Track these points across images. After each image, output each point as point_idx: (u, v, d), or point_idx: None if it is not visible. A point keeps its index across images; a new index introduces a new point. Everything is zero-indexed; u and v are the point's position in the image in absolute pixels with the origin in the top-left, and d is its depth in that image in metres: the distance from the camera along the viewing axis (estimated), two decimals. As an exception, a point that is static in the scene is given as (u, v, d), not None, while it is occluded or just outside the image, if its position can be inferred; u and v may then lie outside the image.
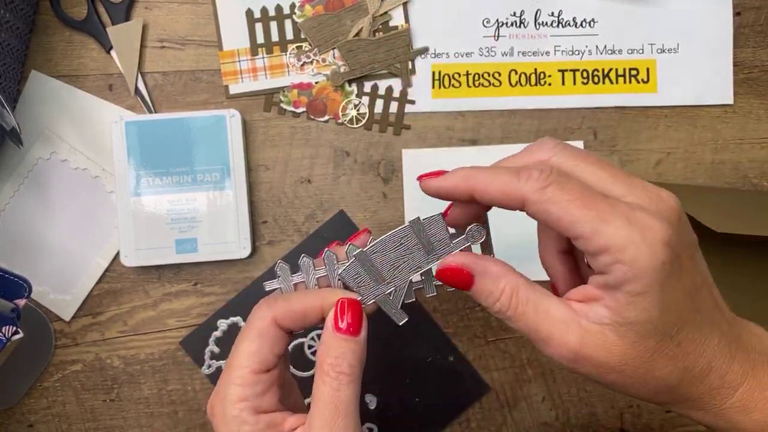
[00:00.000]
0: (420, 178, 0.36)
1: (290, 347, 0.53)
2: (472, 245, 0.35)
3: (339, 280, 0.35)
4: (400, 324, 0.36)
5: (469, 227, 0.35)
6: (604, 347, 0.29)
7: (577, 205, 0.29)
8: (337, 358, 0.32)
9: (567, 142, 0.52)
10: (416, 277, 0.36)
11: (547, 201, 0.29)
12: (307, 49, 0.54)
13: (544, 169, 0.30)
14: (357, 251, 0.34)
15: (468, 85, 0.54)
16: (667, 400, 0.31)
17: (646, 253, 0.28)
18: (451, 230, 0.36)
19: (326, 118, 0.54)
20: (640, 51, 0.54)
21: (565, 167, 0.31)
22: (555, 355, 0.30)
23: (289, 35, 0.54)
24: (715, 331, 0.30)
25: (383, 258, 0.35)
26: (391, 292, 0.35)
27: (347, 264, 0.34)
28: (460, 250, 0.35)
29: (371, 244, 0.35)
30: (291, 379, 0.37)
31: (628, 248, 0.28)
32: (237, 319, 0.53)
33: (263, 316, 0.33)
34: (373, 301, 0.35)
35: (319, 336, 0.53)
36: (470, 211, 0.35)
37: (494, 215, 0.50)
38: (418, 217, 0.34)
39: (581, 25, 0.54)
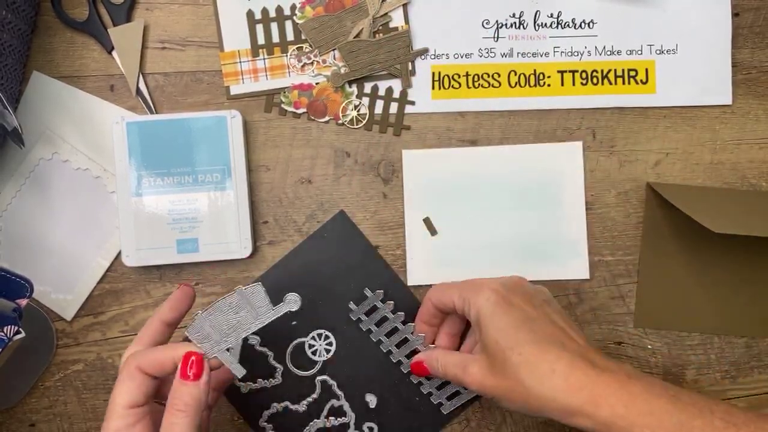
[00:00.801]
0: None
1: (291, 347, 0.54)
2: (292, 311, 0.42)
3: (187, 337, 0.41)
4: (239, 377, 0.42)
5: (286, 295, 0.43)
6: (483, 369, 0.43)
7: (446, 289, 0.48)
8: (177, 399, 0.39)
9: (565, 142, 0.52)
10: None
11: (435, 296, 0.49)
12: (307, 50, 0.54)
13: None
14: (198, 314, 0.40)
15: (468, 86, 0.54)
16: (536, 407, 0.40)
17: (474, 298, 0.44)
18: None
19: (327, 118, 0.54)
20: (639, 52, 0.54)
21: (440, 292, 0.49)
22: (472, 384, 0.44)
23: (290, 36, 0.54)
24: (554, 346, 0.40)
25: (220, 320, 0.41)
26: (229, 348, 0.41)
27: (192, 324, 0.41)
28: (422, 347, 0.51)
29: (208, 308, 0.41)
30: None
31: (470, 298, 0.44)
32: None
33: (129, 363, 0.40)
34: (213, 355, 0.41)
35: (319, 335, 0.54)
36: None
37: (494, 216, 0.50)
38: (241, 288, 0.41)
39: (580, 26, 0.54)
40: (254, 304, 0.41)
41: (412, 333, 0.51)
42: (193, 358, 0.39)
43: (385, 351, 0.53)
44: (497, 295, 0.43)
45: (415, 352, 0.51)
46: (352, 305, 0.53)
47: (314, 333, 0.53)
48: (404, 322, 0.52)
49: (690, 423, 0.37)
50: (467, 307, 0.45)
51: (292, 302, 0.42)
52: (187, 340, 0.41)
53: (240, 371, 0.41)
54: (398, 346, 0.52)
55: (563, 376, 0.39)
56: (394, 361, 0.53)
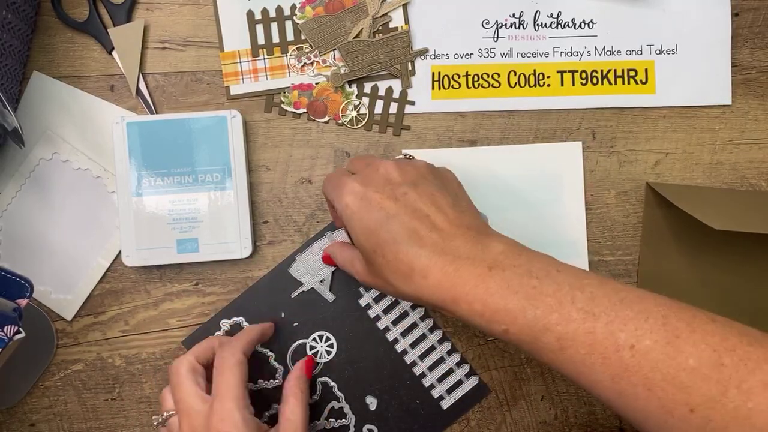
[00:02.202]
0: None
1: (291, 349, 0.54)
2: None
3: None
4: (330, 302, 0.54)
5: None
6: (363, 266, 0.44)
7: (326, 183, 0.47)
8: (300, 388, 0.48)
9: (565, 142, 0.52)
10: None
11: (324, 189, 0.48)
12: (307, 50, 0.54)
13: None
14: (296, 257, 0.54)
15: (467, 86, 0.54)
16: (413, 300, 0.41)
17: (338, 203, 0.43)
18: None
19: (327, 118, 0.54)
20: (639, 52, 0.54)
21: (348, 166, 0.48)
22: (359, 280, 0.45)
23: (290, 36, 0.54)
24: (412, 244, 0.40)
25: (313, 259, 0.54)
26: (322, 280, 0.54)
27: (293, 265, 0.54)
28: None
29: (303, 252, 0.54)
30: None
31: (335, 202, 0.44)
32: (239, 319, 0.54)
33: (235, 353, 0.46)
34: (311, 287, 0.54)
35: (320, 337, 0.54)
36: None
37: (494, 216, 0.50)
38: (330, 232, 0.54)
39: (580, 26, 0.54)
40: None
41: (420, 319, 0.52)
42: (308, 362, 0.51)
43: (390, 339, 0.53)
44: (355, 198, 0.42)
45: (421, 338, 0.53)
46: (362, 290, 0.53)
47: (315, 335, 0.53)
48: (413, 307, 0.53)
49: (546, 318, 0.36)
50: (338, 210, 0.44)
51: None
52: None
53: (331, 297, 0.54)
54: (404, 335, 0.53)
55: (422, 275, 0.39)
56: (399, 350, 0.53)
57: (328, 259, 0.52)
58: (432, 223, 0.41)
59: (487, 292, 0.37)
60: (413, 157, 0.49)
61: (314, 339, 0.54)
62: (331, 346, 0.54)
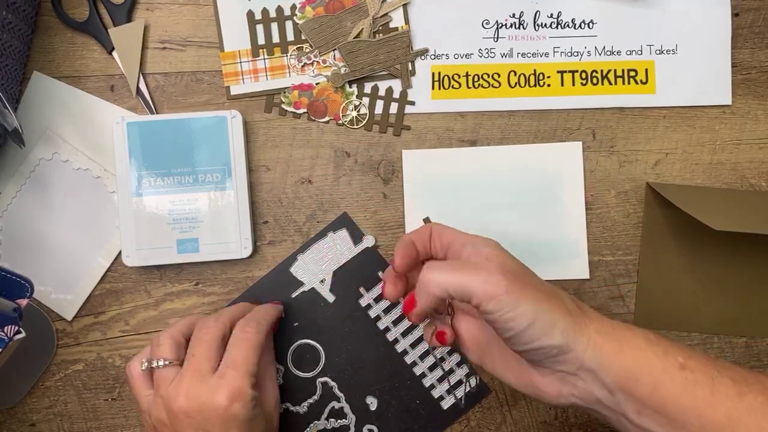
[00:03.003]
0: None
1: (292, 349, 0.54)
2: None
3: None
4: (330, 302, 0.53)
5: (364, 236, 0.53)
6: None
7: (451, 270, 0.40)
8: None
9: (565, 142, 0.52)
10: None
11: (440, 278, 0.40)
12: (307, 50, 0.54)
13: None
14: (299, 255, 0.53)
15: (467, 86, 0.54)
16: (539, 356, 0.38)
17: (492, 286, 0.38)
18: None
19: (327, 118, 0.54)
20: (639, 52, 0.54)
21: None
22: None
23: (290, 36, 0.54)
24: (556, 304, 0.38)
25: (317, 257, 0.54)
26: (323, 280, 0.54)
27: (295, 263, 0.54)
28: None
29: (306, 250, 0.54)
30: None
31: (479, 287, 0.38)
32: (238, 318, 0.54)
33: (261, 331, 0.46)
34: (311, 287, 0.54)
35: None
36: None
37: (494, 216, 0.50)
38: (331, 233, 0.53)
39: (580, 26, 0.54)
40: (340, 245, 0.53)
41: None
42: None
43: (391, 340, 0.53)
44: (513, 281, 0.38)
45: (421, 338, 0.53)
46: (362, 290, 0.53)
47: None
48: None
49: (715, 362, 0.38)
50: (475, 301, 0.38)
51: (368, 241, 0.53)
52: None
53: (331, 298, 0.53)
54: (404, 335, 0.53)
55: (562, 332, 0.38)
56: (399, 351, 0.53)
57: (442, 339, 0.43)
58: (566, 305, 0.41)
59: (630, 352, 0.38)
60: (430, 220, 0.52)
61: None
62: (282, 314, 0.54)
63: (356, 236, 0.54)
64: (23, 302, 0.45)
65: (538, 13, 0.54)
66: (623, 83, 0.54)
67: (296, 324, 0.54)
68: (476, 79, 0.54)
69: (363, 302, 0.54)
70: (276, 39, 0.54)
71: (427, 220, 0.54)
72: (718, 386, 0.36)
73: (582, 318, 0.39)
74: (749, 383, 0.37)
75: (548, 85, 0.54)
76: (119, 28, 0.54)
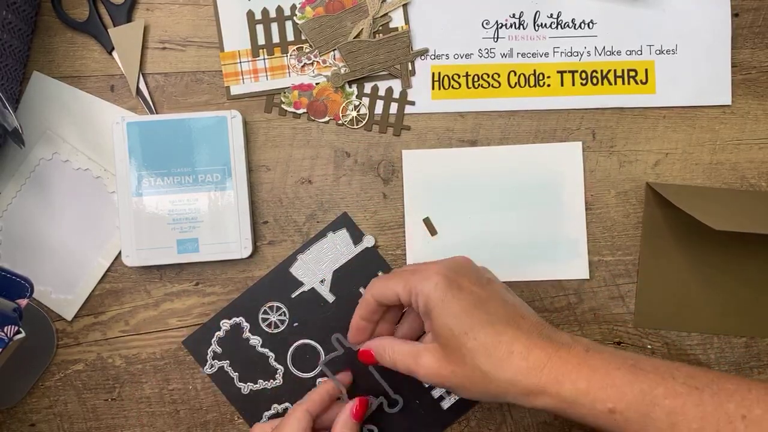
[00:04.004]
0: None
1: (292, 349, 0.54)
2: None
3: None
4: (330, 302, 0.54)
5: (364, 237, 0.54)
6: (437, 358, 0.41)
7: (386, 281, 0.45)
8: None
9: (565, 142, 0.52)
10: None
11: (378, 291, 0.45)
12: (307, 50, 0.54)
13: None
14: (299, 257, 0.54)
15: (467, 86, 0.54)
16: (496, 392, 0.39)
17: (421, 287, 0.41)
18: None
19: (327, 119, 0.54)
20: (639, 52, 0.54)
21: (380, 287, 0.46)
22: (426, 375, 0.42)
23: (290, 36, 0.54)
24: (509, 326, 0.39)
25: (317, 257, 0.54)
26: (323, 280, 0.54)
27: (296, 263, 0.54)
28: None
29: (306, 251, 0.54)
30: None
31: (416, 287, 0.42)
32: (239, 319, 0.54)
33: (295, 411, 0.46)
34: (311, 287, 0.54)
35: (270, 308, 0.54)
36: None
37: (494, 216, 0.50)
38: (330, 233, 0.54)
39: (580, 26, 0.54)
40: (340, 245, 0.53)
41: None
42: (361, 402, 0.48)
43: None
44: (445, 280, 0.41)
45: (421, 338, 0.51)
46: (362, 290, 0.53)
47: (266, 306, 0.53)
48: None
49: (652, 391, 0.36)
50: (414, 297, 0.42)
51: (368, 241, 0.54)
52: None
53: (331, 298, 0.53)
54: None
55: (522, 357, 0.38)
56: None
57: (367, 356, 0.47)
58: (521, 312, 0.41)
59: (591, 369, 0.37)
60: None
61: (265, 311, 0.53)
62: (283, 314, 0.53)
63: (356, 236, 0.54)
64: (23, 302, 0.45)
65: (538, 13, 0.54)
66: (623, 83, 0.54)
67: (296, 324, 0.54)
68: (476, 79, 0.54)
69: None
70: (276, 39, 0.54)
71: (427, 221, 0.54)
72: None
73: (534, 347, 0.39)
74: (685, 412, 0.36)
75: (548, 85, 0.54)
76: (119, 28, 0.54)
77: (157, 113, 0.54)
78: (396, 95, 0.54)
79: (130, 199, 0.52)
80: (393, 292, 0.43)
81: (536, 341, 0.39)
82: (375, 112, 0.54)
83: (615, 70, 0.54)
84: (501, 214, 0.54)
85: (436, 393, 0.53)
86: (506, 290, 0.44)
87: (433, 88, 0.54)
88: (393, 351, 0.44)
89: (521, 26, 0.54)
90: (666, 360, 0.39)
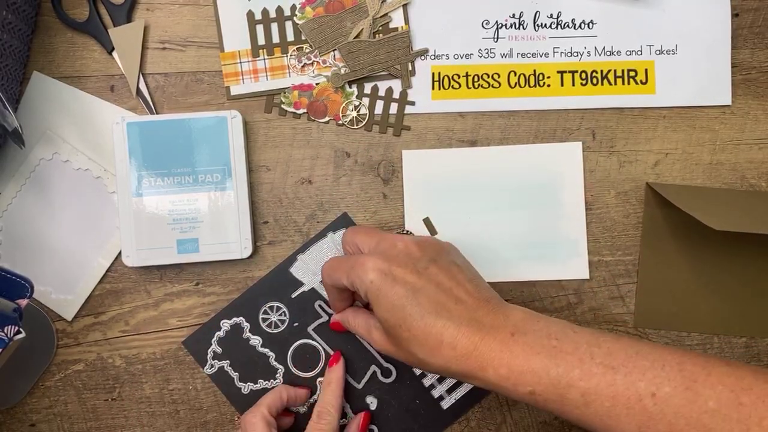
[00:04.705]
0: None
1: (292, 349, 0.54)
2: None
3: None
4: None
5: None
6: (382, 337, 0.45)
7: (333, 272, 0.47)
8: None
9: (565, 142, 0.52)
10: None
11: (327, 279, 0.48)
12: (307, 50, 0.54)
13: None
14: (299, 257, 0.54)
15: (467, 87, 0.54)
16: (436, 372, 0.42)
17: (359, 281, 0.43)
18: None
19: (327, 119, 0.54)
20: (639, 52, 0.54)
21: (347, 239, 0.49)
22: (378, 348, 0.46)
23: (290, 37, 0.54)
24: (440, 317, 0.41)
25: (316, 258, 0.55)
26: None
27: (295, 264, 0.54)
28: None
29: (306, 251, 0.54)
30: None
31: (355, 282, 0.44)
32: (239, 319, 0.54)
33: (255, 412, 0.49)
34: (311, 287, 0.54)
35: (271, 308, 0.54)
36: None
37: (494, 216, 0.50)
38: (331, 233, 0.54)
39: (580, 26, 0.54)
40: (340, 245, 0.53)
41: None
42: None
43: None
44: (379, 274, 0.42)
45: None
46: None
47: (266, 306, 0.53)
48: None
49: (568, 374, 0.38)
50: (357, 288, 0.44)
51: None
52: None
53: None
54: None
55: (451, 346, 0.40)
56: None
57: (337, 326, 0.52)
58: (455, 296, 0.42)
59: (512, 356, 0.39)
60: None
61: (265, 311, 0.53)
62: (282, 314, 0.53)
63: (356, 236, 0.54)
64: (23, 302, 0.45)
65: (538, 14, 0.54)
66: (623, 83, 0.54)
67: (296, 324, 0.54)
68: (476, 79, 0.54)
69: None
70: (276, 39, 0.54)
71: (427, 221, 0.54)
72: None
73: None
74: (598, 392, 0.38)
75: (548, 86, 0.54)
76: (119, 28, 0.54)
77: (157, 113, 0.54)
78: (396, 95, 0.54)
79: (130, 199, 0.52)
80: (340, 282, 0.46)
81: (464, 329, 0.40)
82: (375, 112, 0.54)
83: (615, 70, 0.54)
84: (501, 214, 0.54)
85: (436, 393, 0.54)
86: (446, 271, 0.44)
87: (433, 88, 0.54)
88: (354, 323, 0.48)
89: (521, 26, 0.54)
90: (594, 331, 0.40)
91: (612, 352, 0.38)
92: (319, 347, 0.54)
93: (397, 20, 0.54)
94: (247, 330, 0.54)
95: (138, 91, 0.54)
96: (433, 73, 0.54)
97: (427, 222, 0.54)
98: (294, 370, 0.54)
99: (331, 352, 0.54)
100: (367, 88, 0.54)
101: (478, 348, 0.40)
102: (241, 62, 0.54)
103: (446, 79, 0.54)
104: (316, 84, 0.54)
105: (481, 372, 0.40)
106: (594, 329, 0.41)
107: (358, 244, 0.47)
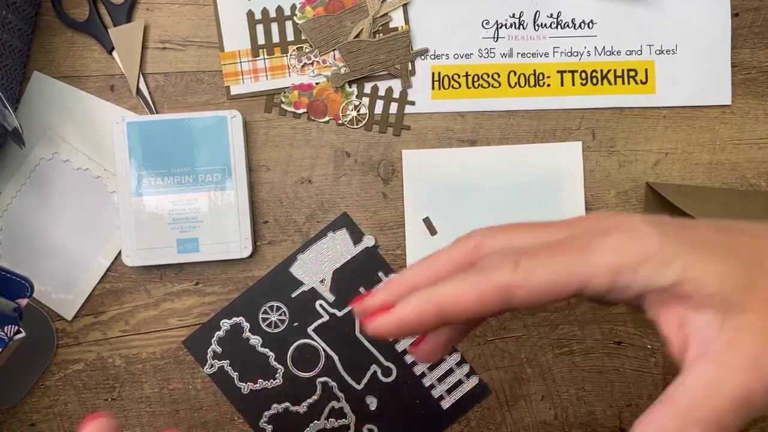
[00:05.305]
0: (365, 319, 0.27)
1: (292, 349, 0.54)
2: None
3: None
4: (330, 302, 0.52)
5: (364, 237, 0.51)
6: (747, 345, 0.24)
7: (562, 257, 0.25)
8: None
9: (565, 142, 0.52)
10: None
11: (532, 274, 0.25)
12: (307, 50, 0.54)
13: (495, 250, 0.27)
14: (299, 256, 0.52)
15: (467, 86, 0.54)
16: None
17: (646, 250, 0.24)
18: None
19: (327, 118, 0.54)
20: (639, 52, 0.54)
21: (500, 243, 0.28)
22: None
23: (290, 36, 0.54)
24: (739, 234, 0.25)
25: (317, 258, 0.53)
26: (323, 280, 0.52)
27: (295, 263, 0.53)
28: None
29: (306, 250, 0.52)
30: None
31: (626, 260, 0.24)
32: (239, 319, 0.54)
33: None
34: (311, 287, 0.52)
35: (271, 308, 0.54)
36: (446, 339, 0.29)
37: (494, 216, 0.50)
38: (331, 233, 0.52)
39: (580, 26, 0.54)
40: (340, 245, 0.53)
41: None
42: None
43: (391, 339, 0.53)
44: (659, 230, 0.24)
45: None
46: (362, 290, 0.54)
47: (266, 306, 0.53)
48: None
49: None
50: (629, 279, 0.24)
51: (368, 241, 0.54)
52: None
53: (331, 298, 0.53)
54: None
55: None
56: (399, 350, 0.53)
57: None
58: (736, 236, 0.25)
59: None
60: None
61: (265, 311, 0.53)
62: (282, 314, 0.53)
63: (356, 236, 0.54)
64: (23, 302, 0.45)
65: (538, 13, 0.54)
66: (623, 83, 0.54)
67: (296, 324, 0.54)
68: (476, 79, 0.54)
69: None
70: (276, 39, 0.54)
71: (427, 221, 0.54)
72: None
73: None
74: None
75: (548, 85, 0.54)
76: (119, 28, 0.54)
77: (157, 113, 0.54)
78: (396, 95, 0.54)
79: (130, 199, 0.52)
80: (563, 292, 0.25)
81: None
82: (375, 112, 0.54)
83: (615, 70, 0.54)
84: (501, 214, 0.54)
85: (436, 393, 0.54)
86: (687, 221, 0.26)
87: (433, 88, 0.54)
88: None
89: (521, 26, 0.54)
90: None
91: None
92: (319, 347, 0.54)
93: (397, 20, 0.54)
94: (247, 330, 0.54)
95: (138, 90, 0.54)
96: (433, 73, 0.54)
97: (427, 222, 0.54)
98: (294, 370, 0.54)
99: (331, 353, 0.53)
100: (367, 87, 0.54)
101: None
102: (241, 62, 0.54)
103: (446, 78, 0.54)
104: (316, 84, 0.54)
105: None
106: None
107: (556, 235, 0.26)
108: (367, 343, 0.54)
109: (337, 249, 0.54)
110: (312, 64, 0.54)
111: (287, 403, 0.53)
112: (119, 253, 0.53)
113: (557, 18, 0.54)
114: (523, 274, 0.25)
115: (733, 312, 0.23)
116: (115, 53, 0.54)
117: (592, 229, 0.25)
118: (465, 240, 0.30)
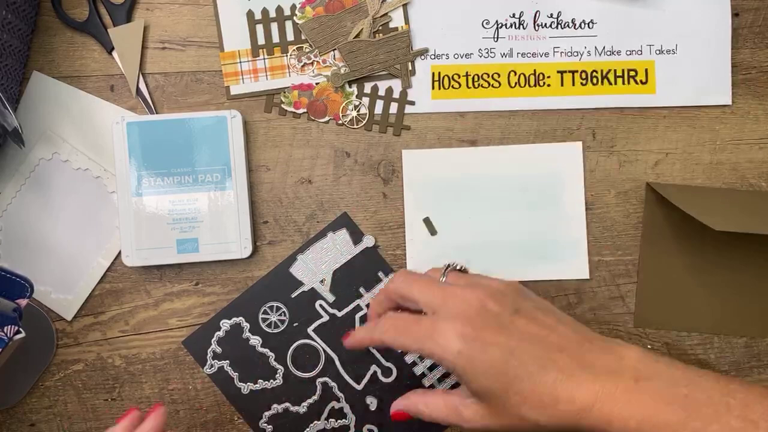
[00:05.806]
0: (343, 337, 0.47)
1: (292, 349, 0.54)
2: None
3: None
4: (330, 301, 0.54)
5: (364, 237, 0.53)
6: (481, 413, 0.39)
7: (399, 335, 0.41)
8: None
9: (565, 142, 0.52)
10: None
11: (389, 340, 0.41)
12: (307, 50, 0.54)
13: (382, 318, 0.43)
14: (299, 256, 0.53)
15: (467, 86, 0.54)
16: (555, 428, 0.37)
17: (441, 351, 0.38)
18: None
19: (327, 118, 0.54)
20: (639, 52, 0.54)
21: (401, 292, 0.43)
22: (473, 428, 0.41)
23: (290, 36, 0.54)
24: (549, 371, 0.37)
25: (316, 258, 0.54)
26: (323, 280, 0.54)
27: (295, 263, 0.53)
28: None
29: (306, 251, 0.53)
30: None
31: (434, 353, 0.39)
32: (239, 319, 0.54)
33: None
34: (311, 287, 0.54)
35: (271, 308, 0.54)
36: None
37: (494, 216, 0.50)
38: (331, 233, 0.54)
39: (580, 26, 0.54)
40: (340, 245, 0.53)
41: None
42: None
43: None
44: (466, 342, 0.38)
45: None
46: (362, 290, 0.53)
47: (266, 306, 0.53)
48: None
49: (706, 430, 0.35)
50: (435, 359, 0.40)
51: (368, 241, 0.54)
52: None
53: (331, 298, 0.53)
54: None
55: (569, 401, 0.37)
56: (399, 350, 0.53)
57: (401, 416, 0.44)
58: (554, 344, 0.38)
59: (641, 407, 0.36)
60: (463, 267, 0.45)
61: (265, 311, 0.53)
62: (282, 314, 0.53)
63: (356, 236, 0.54)
64: (23, 302, 0.45)
65: (538, 13, 0.54)
66: (623, 83, 0.54)
67: (296, 324, 0.54)
68: (476, 79, 0.54)
69: (363, 302, 0.54)
70: (276, 39, 0.54)
71: (427, 221, 0.54)
72: None
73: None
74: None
75: (548, 85, 0.54)
76: (119, 28, 0.54)
77: (157, 113, 0.54)
78: (396, 95, 0.54)
79: (130, 199, 0.52)
80: (410, 349, 0.41)
81: (579, 379, 0.37)
82: (375, 112, 0.54)
83: (615, 70, 0.54)
84: (501, 214, 0.54)
85: (436, 393, 0.53)
86: (530, 315, 0.40)
87: (433, 88, 0.54)
88: (429, 407, 0.42)
89: (521, 26, 0.54)
90: (720, 379, 0.37)
91: (748, 403, 0.35)
92: (319, 347, 0.54)
93: (397, 20, 0.54)
94: (247, 330, 0.54)
95: (138, 90, 0.54)
96: (433, 73, 0.54)
97: (427, 222, 0.54)
98: (293, 370, 0.54)
99: (331, 353, 0.53)
100: (367, 87, 0.54)
101: (599, 399, 0.36)
102: (240, 62, 0.54)
103: (446, 78, 0.54)
104: (316, 84, 0.54)
105: (607, 426, 0.36)
106: (715, 372, 0.39)
107: (416, 298, 0.41)
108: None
109: (337, 249, 0.54)
110: (312, 64, 0.54)
111: (287, 404, 0.53)
112: (119, 253, 0.53)
113: (557, 18, 0.54)
114: (388, 337, 0.42)
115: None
116: (114, 53, 0.54)
117: (433, 322, 0.40)
118: (387, 286, 0.45)
